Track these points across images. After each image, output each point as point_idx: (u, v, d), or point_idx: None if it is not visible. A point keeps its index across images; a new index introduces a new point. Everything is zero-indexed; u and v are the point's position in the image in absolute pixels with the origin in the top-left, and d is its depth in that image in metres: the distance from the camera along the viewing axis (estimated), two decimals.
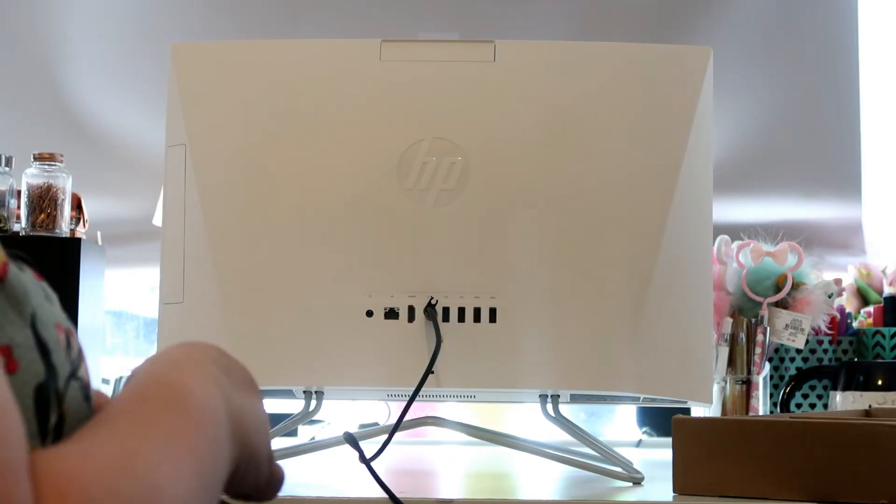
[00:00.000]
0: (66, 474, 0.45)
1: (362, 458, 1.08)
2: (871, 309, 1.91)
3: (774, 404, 1.71)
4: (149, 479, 0.48)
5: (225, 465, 0.57)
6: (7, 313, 0.51)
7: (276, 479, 0.66)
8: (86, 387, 0.56)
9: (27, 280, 0.53)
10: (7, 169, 1.73)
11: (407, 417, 1.17)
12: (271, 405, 1.77)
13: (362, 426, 1.72)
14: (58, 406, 0.52)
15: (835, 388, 1.61)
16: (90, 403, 0.56)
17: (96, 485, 0.46)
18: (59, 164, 1.72)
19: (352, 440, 1.11)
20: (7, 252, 0.53)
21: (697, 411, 1.56)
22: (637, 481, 1.23)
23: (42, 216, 1.70)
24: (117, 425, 0.51)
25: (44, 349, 0.52)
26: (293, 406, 1.35)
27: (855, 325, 1.87)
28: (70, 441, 0.50)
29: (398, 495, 1.04)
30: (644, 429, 1.91)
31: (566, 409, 1.30)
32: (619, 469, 1.24)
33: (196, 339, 0.65)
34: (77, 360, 0.55)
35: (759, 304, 1.59)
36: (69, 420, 0.53)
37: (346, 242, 1.21)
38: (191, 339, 0.65)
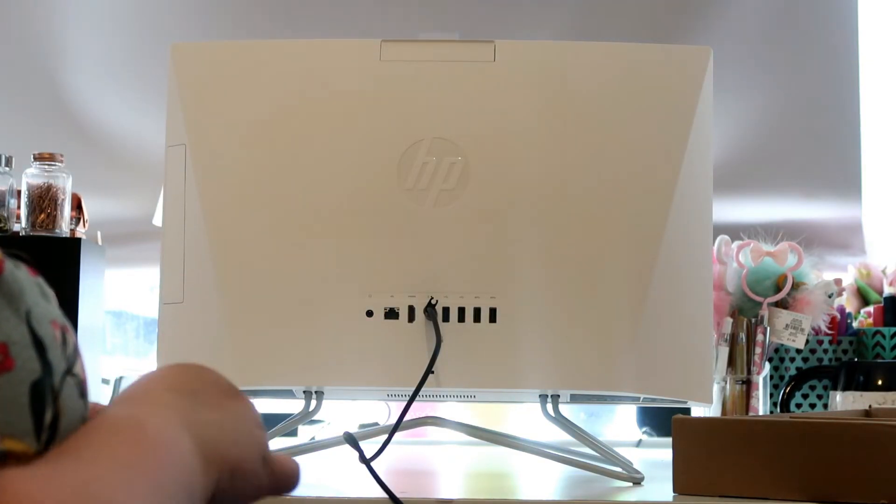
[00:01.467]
0: (26, 497, 0.45)
1: (362, 458, 1.08)
2: (871, 309, 1.91)
3: (774, 404, 1.72)
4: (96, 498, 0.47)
5: (194, 487, 0.56)
6: (3, 310, 0.51)
7: (283, 475, 0.66)
8: (81, 383, 0.56)
9: (23, 277, 0.53)
10: (7, 169, 1.73)
11: (407, 417, 1.17)
12: (271, 405, 1.77)
13: (362, 426, 1.72)
14: (53, 403, 0.52)
15: (835, 388, 1.61)
16: (86, 400, 0.56)
17: None
18: (59, 164, 1.72)
19: (352, 440, 1.11)
20: (3, 249, 0.53)
21: (697, 411, 1.56)
22: (637, 481, 1.23)
23: (42, 216, 1.70)
24: (73, 455, 0.51)
25: (39, 346, 0.52)
26: (293, 406, 1.35)
27: (855, 325, 1.87)
28: (29, 467, 0.49)
29: (398, 495, 1.04)
30: (644, 429, 1.91)
31: (566, 409, 1.30)
32: (619, 469, 1.24)
33: (165, 366, 0.65)
34: (73, 356, 0.55)
35: (759, 304, 1.59)
36: (65, 417, 0.53)
37: (346, 242, 1.21)
38: (160, 367, 0.65)
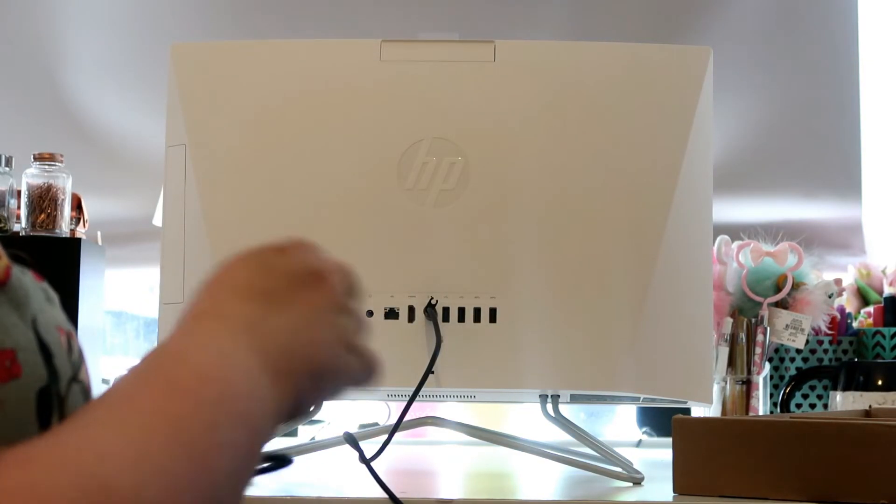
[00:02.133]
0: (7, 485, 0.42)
1: (362, 458, 1.08)
2: (871, 309, 1.90)
3: (774, 404, 1.71)
4: (97, 477, 0.43)
5: (257, 412, 0.52)
6: (10, 316, 0.51)
7: (373, 359, 0.64)
8: (87, 390, 0.55)
9: (28, 282, 0.53)
10: (7, 169, 1.73)
11: (407, 417, 1.17)
12: None
13: (362, 426, 1.72)
14: (59, 409, 0.52)
15: (835, 388, 1.61)
16: None
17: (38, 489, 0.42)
18: (59, 164, 1.72)
19: (352, 440, 1.11)
20: (7, 253, 0.53)
21: (697, 411, 1.56)
22: (637, 481, 1.23)
23: (42, 216, 1.70)
24: (83, 417, 0.47)
25: (46, 353, 0.52)
26: None
27: (855, 325, 1.87)
28: (28, 445, 0.46)
29: (398, 495, 1.04)
30: (644, 429, 1.90)
31: (566, 409, 1.30)
32: (619, 469, 1.24)
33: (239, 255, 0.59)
34: (78, 362, 0.55)
35: (759, 304, 1.59)
36: None
37: (346, 242, 1.21)
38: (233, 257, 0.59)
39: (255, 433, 0.51)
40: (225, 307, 0.55)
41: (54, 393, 0.52)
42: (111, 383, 0.51)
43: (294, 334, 0.56)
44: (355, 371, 0.61)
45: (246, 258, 0.59)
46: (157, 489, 0.45)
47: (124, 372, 0.52)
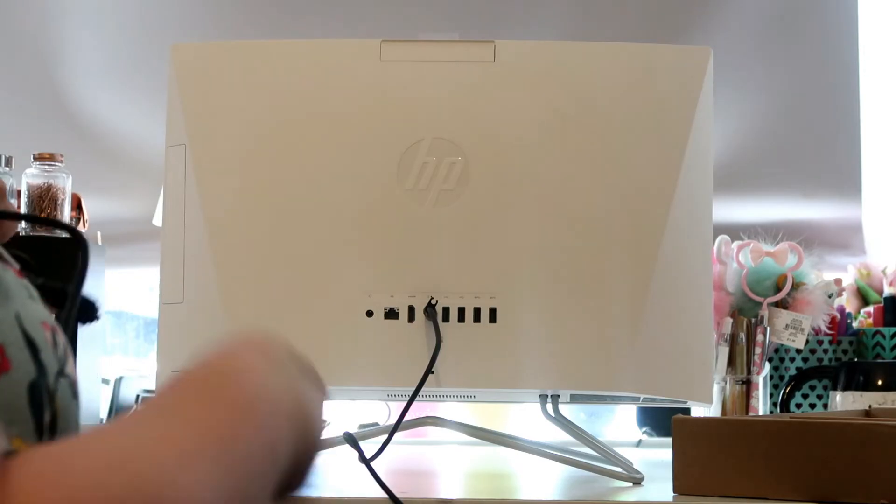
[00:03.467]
0: (10, 494, 0.40)
1: (362, 458, 1.08)
2: (871, 309, 1.91)
3: (774, 404, 1.71)
4: (146, 481, 0.42)
5: (279, 452, 0.51)
6: None
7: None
8: (73, 384, 0.56)
9: (10, 279, 0.53)
10: (7, 169, 1.73)
11: (407, 417, 1.17)
12: None
13: (362, 426, 1.72)
14: (50, 404, 0.52)
15: (835, 388, 1.61)
16: (78, 401, 0.56)
17: (76, 487, 0.40)
18: (59, 164, 1.72)
19: (352, 440, 1.11)
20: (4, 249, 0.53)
21: (697, 411, 1.56)
22: (637, 481, 1.23)
23: (42, 216, 1.70)
24: (127, 421, 0.46)
25: (33, 347, 0.52)
26: None
27: (855, 325, 1.87)
28: (84, 435, 0.45)
29: (398, 495, 1.04)
30: (644, 429, 1.91)
31: (566, 409, 1.30)
32: (619, 469, 1.24)
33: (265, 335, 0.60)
34: (63, 357, 0.55)
35: (759, 304, 1.59)
36: (61, 418, 0.53)
37: (346, 242, 1.21)
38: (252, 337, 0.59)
39: (274, 470, 0.51)
40: (270, 348, 0.57)
41: (44, 387, 0.52)
42: (113, 386, 0.50)
43: (314, 406, 0.58)
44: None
45: (273, 337, 0.61)
46: (194, 498, 0.44)
47: (172, 377, 0.51)
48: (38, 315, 0.54)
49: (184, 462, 0.44)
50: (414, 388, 1.15)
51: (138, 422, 0.46)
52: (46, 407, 0.52)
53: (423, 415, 1.32)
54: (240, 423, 0.48)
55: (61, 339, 0.56)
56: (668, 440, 1.16)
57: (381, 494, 1.04)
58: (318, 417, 0.59)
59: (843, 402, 1.59)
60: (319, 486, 1.19)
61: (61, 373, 0.54)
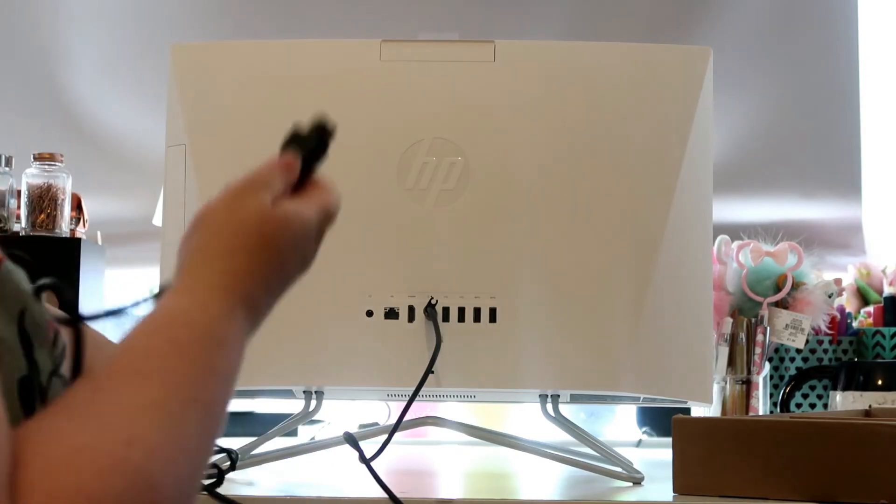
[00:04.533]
0: (46, 489, 0.44)
1: (362, 458, 1.08)
2: (871, 309, 1.91)
3: (774, 404, 1.71)
4: (145, 472, 0.47)
5: (241, 359, 0.58)
6: None
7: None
8: (67, 384, 0.56)
9: (20, 277, 0.54)
10: (7, 169, 1.73)
11: (407, 417, 1.17)
12: (271, 405, 1.77)
13: (362, 426, 1.72)
14: (41, 402, 0.52)
15: (835, 388, 1.61)
16: None
17: (76, 499, 0.44)
18: (59, 164, 1.72)
19: (352, 440, 1.11)
20: (4, 250, 0.53)
21: (697, 411, 1.56)
22: (637, 481, 1.23)
23: (42, 216, 1.70)
24: (117, 390, 0.50)
25: (27, 345, 0.52)
26: (293, 406, 1.35)
27: (855, 325, 1.87)
28: (72, 409, 0.49)
29: (398, 495, 1.04)
30: (644, 429, 1.90)
31: (566, 409, 1.30)
32: (619, 469, 1.24)
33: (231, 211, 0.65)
34: (60, 357, 0.56)
35: (759, 304, 1.59)
36: None
37: (346, 242, 1.21)
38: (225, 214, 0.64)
39: (236, 381, 0.57)
40: (226, 259, 0.60)
41: (35, 384, 0.52)
42: (121, 342, 0.54)
43: (278, 287, 0.66)
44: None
45: (245, 216, 0.65)
46: (184, 469, 0.49)
47: (130, 334, 0.55)
48: (46, 315, 0.55)
49: (171, 448, 0.49)
50: (414, 389, 1.15)
51: (122, 401, 0.50)
52: (38, 404, 0.52)
53: (423, 415, 1.32)
54: (204, 376, 0.54)
55: (62, 341, 0.56)
56: (668, 440, 1.16)
57: (381, 494, 1.04)
58: (280, 278, 0.66)
59: (843, 402, 1.58)
60: (319, 486, 1.19)
61: (55, 372, 0.54)
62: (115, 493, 0.45)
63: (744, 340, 1.58)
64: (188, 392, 0.52)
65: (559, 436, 1.34)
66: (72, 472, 0.45)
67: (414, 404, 1.16)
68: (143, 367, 0.52)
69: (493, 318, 1.19)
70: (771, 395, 1.71)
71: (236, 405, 1.84)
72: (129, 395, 0.50)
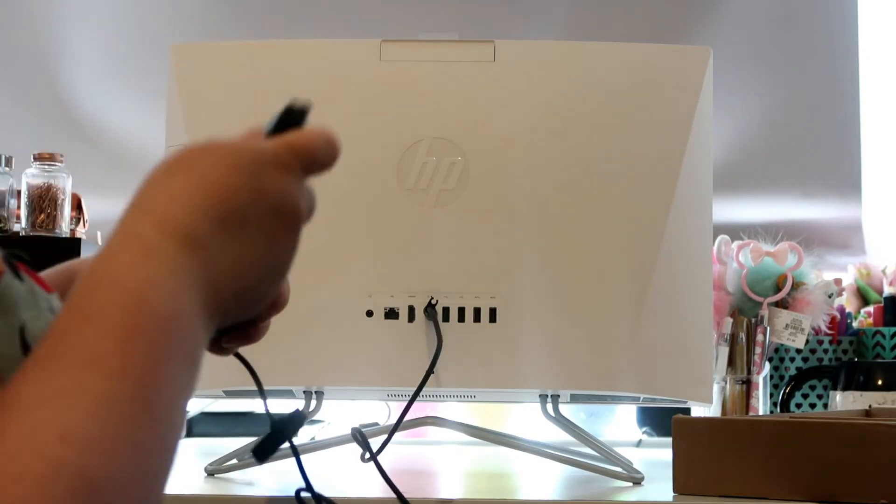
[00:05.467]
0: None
1: (371, 455, 1.08)
2: (871, 309, 1.91)
3: (774, 404, 1.71)
4: (82, 476, 0.42)
5: (197, 348, 0.50)
6: None
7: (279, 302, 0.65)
8: None
9: (19, 289, 0.53)
10: (7, 169, 1.73)
11: (407, 417, 1.17)
12: (271, 405, 1.76)
13: (362, 426, 1.72)
14: None
15: (835, 388, 1.61)
16: None
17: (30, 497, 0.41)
18: (59, 164, 1.72)
19: (361, 436, 1.10)
20: (6, 261, 0.53)
21: (697, 411, 1.56)
22: (637, 481, 1.23)
23: (42, 216, 1.70)
24: (53, 376, 0.44)
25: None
26: (293, 406, 1.34)
27: (855, 325, 1.87)
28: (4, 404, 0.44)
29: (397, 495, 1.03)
30: (644, 429, 1.90)
31: (566, 409, 1.30)
32: (619, 469, 1.24)
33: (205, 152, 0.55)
34: None
35: (759, 304, 1.59)
36: None
37: (346, 242, 1.21)
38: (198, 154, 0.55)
39: (196, 370, 0.50)
40: (183, 222, 0.52)
41: None
42: (59, 312, 0.48)
43: (244, 269, 0.55)
44: (276, 298, 0.62)
45: (233, 157, 0.55)
46: (129, 465, 0.44)
47: (69, 300, 0.48)
48: (45, 326, 0.54)
49: (112, 441, 0.43)
50: (414, 389, 1.15)
51: (58, 390, 0.44)
52: None
53: (423, 415, 1.32)
54: (153, 359, 0.47)
55: None
56: (668, 440, 1.16)
57: (384, 494, 1.04)
58: (255, 273, 0.55)
59: (843, 402, 1.58)
60: (319, 486, 1.19)
61: None
62: (56, 498, 0.41)
63: (744, 340, 1.58)
64: (128, 374, 0.45)
65: (559, 436, 1.34)
66: (10, 484, 0.41)
67: (414, 404, 1.16)
68: (68, 348, 0.46)
69: (493, 318, 1.19)
70: (771, 395, 1.71)
71: (236, 405, 1.84)
72: (54, 381, 0.44)
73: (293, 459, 1.29)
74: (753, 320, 1.59)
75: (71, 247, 1.69)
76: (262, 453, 0.71)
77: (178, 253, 0.51)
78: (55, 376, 0.44)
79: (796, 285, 1.60)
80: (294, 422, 0.73)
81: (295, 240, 0.58)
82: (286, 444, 0.73)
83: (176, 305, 0.49)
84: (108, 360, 0.45)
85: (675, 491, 1.13)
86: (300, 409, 0.74)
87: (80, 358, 0.45)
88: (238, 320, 0.57)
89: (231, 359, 0.77)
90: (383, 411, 1.79)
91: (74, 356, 0.45)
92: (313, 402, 1.28)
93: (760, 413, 1.57)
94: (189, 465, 1.34)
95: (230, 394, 1.26)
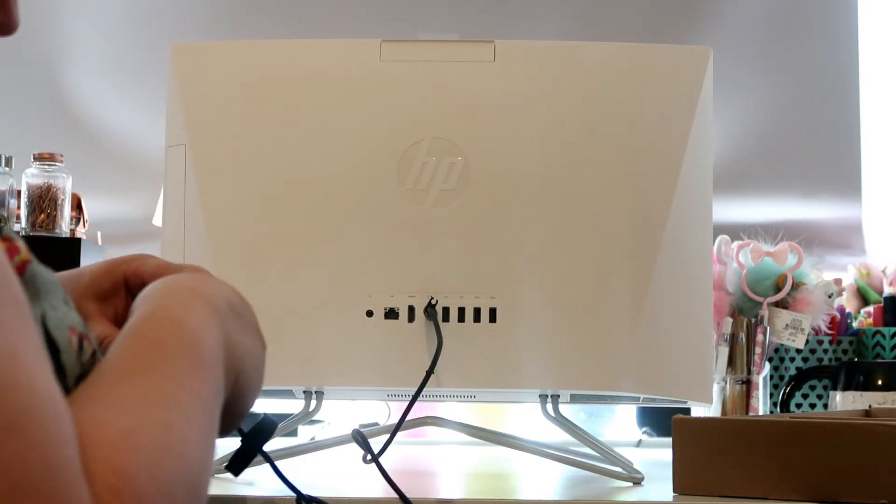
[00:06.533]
0: (115, 468, 0.47)
1: (372, 457, 1.08)
2: (871, 309, 1.91)
3: (774, 404, 1.71)
4: (184, 458, 0.49)
5: (221, 404, 0.60)
6: None
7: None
8: None
9: (47, 279, 0.54)
10: (7, 169, 1.73)
11: (407, 417, 1.17)
12: (271, 405, 1.77)
13: (362, 426, 1.72)
14: None
15: (835, 388, 1.61)
16: None
17: (143, 477, 0.47)
18: (59, 164, 1.72)
19: (362, 437, 1.10)
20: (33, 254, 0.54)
21: (697, 411, 1.56)
22: (637, 481, 1.23)
23: (42, 216, 1.70)
24: (144, 383, 0.52)
25: (53, 348, 0.52)
26: (293, 406, 1.35)
27: (855, 325, 1.87)
28: (101, 399, 0.50)
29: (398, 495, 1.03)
30: (644, 429, 1.90)
31: (566, 409, 1.30)
32: (619, 469, 1.24)
33: (209, 276, 0.69)
34: (88, 365, 0.55)
35: (759, 304, 1.59)
36: None
37: (346, 242, 1.21)
38: (204, 274, 0.69)
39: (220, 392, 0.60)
40: (213, 298, 0.65)
41: (63, 388, 0.52)
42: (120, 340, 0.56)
43: (246, 352, 0.68)
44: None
45: (215, 281, 0.69)
46: (208, 456, 0.53)
47: (132, 329, 0.58)
48: (68, 319, 0.55)
49: (198, 434, 0.52)
50: (415, 389, 1.15)
51: (153, 392, 0.52)
52: None
53: (423, 415, 1.32)
54: (212, 382, 0.57)
55: (89, 347, 0.56)
56: (668, 440, 1.16)
57: (384, 494, 1.04)
58: (254, 364, 0.69)
59: (843, 402, 1.59)
60: (319, 487, 1.19)
61: (83, 377, 0.54)
62: (169, 474, 0.48)
63: (744, 340, 1.58)
64: (190, 387, 0.55)
65: (559, 436, 1.34)
66: (131, 452, 0.47)
67: (414, 404, 1.16)
68: (138, 365, 0.54)
69: (493, 318, 1.19)
70: (771, 395, 1.71)
71: None
72: (141, 388, 0.52)
73: (293, 459, 1.29)
74: (753, 320, 1.59)
75: (71, 247, 1.69)
76: (237, 468, 0.76)
77: (209, 312, 0.63)
78: (148, 389, 0.52)
79: (796, 285, 1.61)
80: (264, 432, 0.77)
81: (260, 353, 0.72)
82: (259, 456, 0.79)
83: (217, 350, 0.60)
84: (187, 380, 0.55)
85: (675, 491, 1.13)
86: (267, 413, 0.78)
87: (166, 375, 0.54)
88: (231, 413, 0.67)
89: None
90: (383, 411, 1.80)
91: (163, 374, 0.54)
92: (313, 402, 1.28)
93: (760, 413, 1.58)
94: None
95: None
